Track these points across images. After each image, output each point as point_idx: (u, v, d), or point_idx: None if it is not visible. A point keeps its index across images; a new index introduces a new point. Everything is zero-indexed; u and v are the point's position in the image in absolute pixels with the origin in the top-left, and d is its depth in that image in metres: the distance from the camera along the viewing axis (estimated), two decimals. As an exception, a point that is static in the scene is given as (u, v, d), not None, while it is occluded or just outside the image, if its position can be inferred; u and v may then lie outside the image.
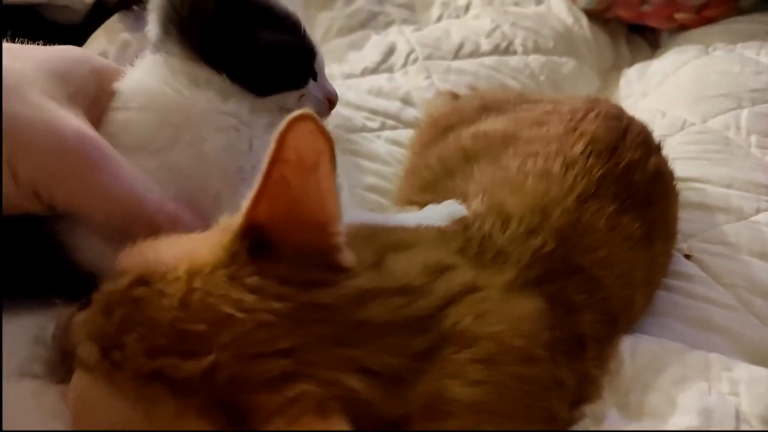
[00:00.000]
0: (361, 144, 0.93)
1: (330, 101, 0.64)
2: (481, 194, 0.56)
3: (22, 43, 0.84)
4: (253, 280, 0.35)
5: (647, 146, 0.62)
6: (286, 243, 0.37)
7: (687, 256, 0.69)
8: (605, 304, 0.51)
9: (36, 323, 0.45)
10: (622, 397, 0.49)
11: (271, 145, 0.35)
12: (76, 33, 0.85)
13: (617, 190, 0.56)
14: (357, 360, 0.35)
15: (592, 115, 0.63)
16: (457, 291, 0.41)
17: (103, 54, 0.77)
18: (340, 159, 0.91)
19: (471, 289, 0.42)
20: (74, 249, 0.50)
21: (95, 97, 0.52)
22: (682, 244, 0.70)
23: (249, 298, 0.34)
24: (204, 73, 0.55)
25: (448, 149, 0.69)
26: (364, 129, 0.96)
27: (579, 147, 0.58)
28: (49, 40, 0.86)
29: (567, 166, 0.56)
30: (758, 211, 0.73)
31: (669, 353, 0.52)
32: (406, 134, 0.94)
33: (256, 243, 0.37)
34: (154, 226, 0.45)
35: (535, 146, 0.60)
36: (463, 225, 0.52)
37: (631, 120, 0.65)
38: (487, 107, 0.76)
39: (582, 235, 0.52)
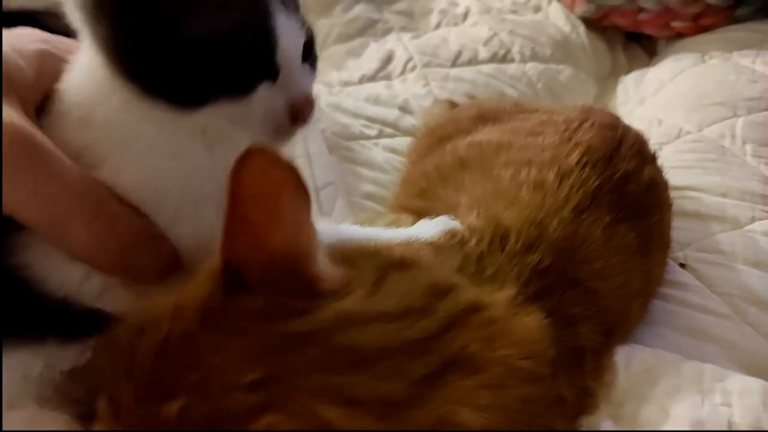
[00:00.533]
0: (359, 152, 0.93)
1: (296, 109, 0.44)
2: (477, 207, 0.56)
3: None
4: (226, 321, 0.35)
5: (642, 156, 0.62)
6: (262, 276, 0.37)
7: (682, 265, 0.69)
8: (602, 315, 0.51)
9: (22, 360, 0.44)
10: (616, 408, 0.49)
11: (226, 185, 0.34)
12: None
13: (612, 201, 0.56)
14: (338, 388, 0.33)
15: (586, 125, 0.63)
16: (460, 310, 0.40)
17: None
18: (338, 167, 0.91)
19: (474, 309, 0.42)
20: (40, 281, 0.45)
21: (35, 81, 0.46)
22: (678, 253, 0.71)
23: (219, 339, 0.34)
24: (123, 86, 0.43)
25: (444, 159, 0.69)
26: (362, 137, 0.96)
27: (574, 157, 0.58)
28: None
29: (562, 176, 0.56)
30: (753, 219, 0.73)
31: (663, 364, 0.52)
32: (403, 142, 0.95)
33: (234, 279, 0.36)
34: (92, 231, 0.42)
35: (529, 155, 0.60)
36: (458, 240, 0.51)
37: (626, 130, 0.65)
38: (484, 117, 0.77)
39: (579, 248, 0.52)
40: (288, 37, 0.43)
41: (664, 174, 0.67)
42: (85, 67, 0.46)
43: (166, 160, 0.44)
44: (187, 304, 0.36)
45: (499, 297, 0.45)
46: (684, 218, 0.75)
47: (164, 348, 0.35)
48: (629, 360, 0.53)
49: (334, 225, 0.59)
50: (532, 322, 0.44)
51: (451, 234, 0.53)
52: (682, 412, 0.47)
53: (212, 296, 0.36)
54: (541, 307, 0.46)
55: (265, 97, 0.43)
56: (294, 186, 0.35)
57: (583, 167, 0.57)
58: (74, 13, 0.44)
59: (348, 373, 0.34)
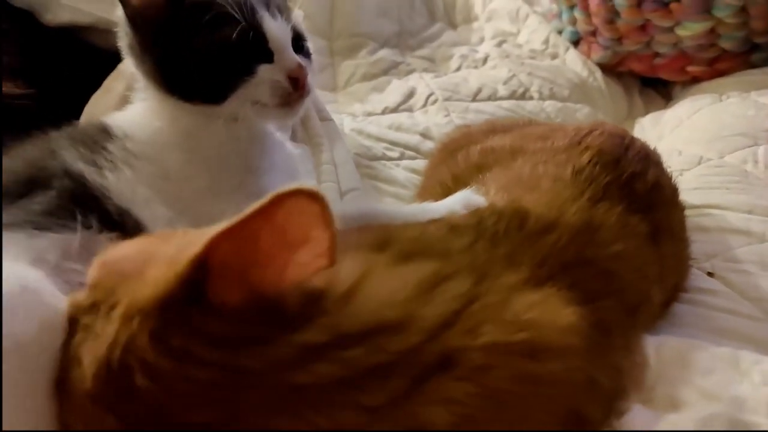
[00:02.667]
0: (380, 170, 0.95)
1: (293, 78, 0.57)
2: (499, 191, 0.57)
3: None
4: (176, 341, 0.33)
5: (647, 161, 0.64)
6: (225, 293, 0.34)
7: (710, 274, 0.68)
8: (623, 294, 0.50)
9: (44, 246, 0.47)
10: (648, 392, 0.47)
11: (265, 198, 0.33)
12: (115, 57, 0.89)
13: (623, 195, 0.57)
14: (282, 428, 0.32)
15: (596, 132, 0.65)
16: (453, 311, 0.39)
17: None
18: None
19: (469, 302, 0.40)
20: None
21: None
22: (705, 264, 0.70)
23: (165, 365, 0.32)
24: (178, 103, 0.57)
25: (458, 166, 0.70)
26: (384, 158, 0.98)
27: (586, 157, 0.60)
28: (88, 62, 0.91)
29: (576, 172, 0.58)
30: (780, 234, 0.72)
31: (696, 349, 0.50)
32: (424, 164, 0.96)
33: (197, 286, 0.34)
34: None
35: (544, 156, 0.62)
36: (477, 218, 0.52)
37: (633, 139, 0.67)
38: (495, 130, 0.79)
39: (596, 231, 0.52)
40: (275, 31, 0.57)
41: (670, 178, 0.67)
42: (141, 109, 0.60)
43: (215, 145, 0.57)
44: (141, 303, 0.34)
45: (506, 281, 0.44)
46: (709, 233, 0.74)
47: (110, 357, 0.33)
48: (660, 346, 0.51)
49: (359, 203, 0.62)
50: (536, 298, 0.42)
51: (472, 212, 0.53)
52: (718, 389, 0.45)
53: (169, 302, 0.34)
54: (558, 285, 0.45)
55: (267, 74, 0.57)
56: (326, 249, 0.34)
57: (595, 165, 0.59)
58: (130, 61, 0.60)
59: (297, 415, 0.33)
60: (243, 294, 0.34)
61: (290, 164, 0.65)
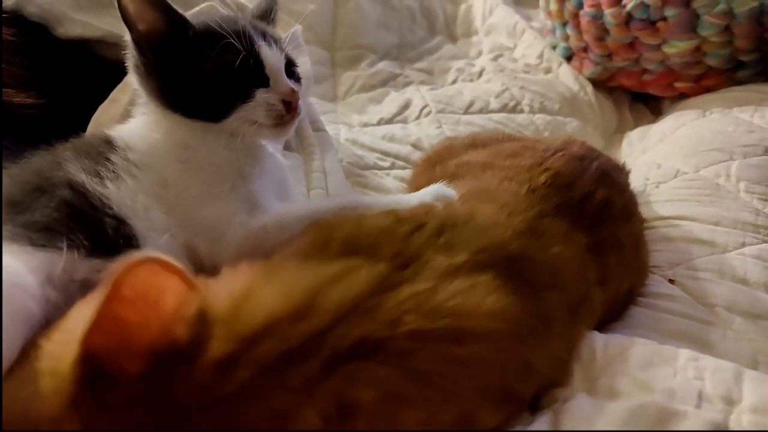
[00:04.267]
0: (371, 179, 0.99)
1: (286, 102, 0.63)
2: (463, 198, 0.62)
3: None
4: (106, 420, 0.37)
5: (601, 181, 0.68)
6: (122, 365, 0.37)
7: (671, 281, 0.71)
8: (565, 291, 0.54)
9: (45, 258, 0.50)
10: (591, 383, 0.52)
11: (105, 285, 0.36)
12: (123, 69, 0.94)
13: (571, 215, 0.61)
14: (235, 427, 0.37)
15: (559, 154, 0.69)
16: (360, 291, 0.43)
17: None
18: (350, 190, 0.97)
19: (384, 286, 0.44)
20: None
21: None
22: (667, 271, 0.73)
23: None
24: (179, 118, 0.63)
25: (436, 176, 0.75)
26: (376, 167, 1.03)
27: (543, 178, 0.65)
28: (96, 73, 0.96)
29: (532, 191, 0.63)
30: (744, 245, 0.76)
31: (638, 345, 0.54)
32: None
33: (91, 370, 0.37)
34: None
35: (510, 172, 0.67)
36: (425, 211, 0.56)
37: (593, 159, 0.71)
38: (475, 144, 0.84)
39: (540, 237, 0.56)
40: (271, 59, 0.64)
41: (624, 195, 0.71)
42: (142, 122, 0.66)
43: (210, 155, 0.63)
44: (54, 415, 0.37)
45: (437, 264, 0.48)
46: (676, 242, 0.78)
47: None
48: (606, 343, 0.55)
49: (341, 197, 0.68)
50: (463, 286, 0.46)
51: (423, 206, 0.58)
52: (652, 381, 0.49)
53: (76, 401, 0.37)
54: (497, 273, 0.49)
55: (263, 98, 0.63)
56: (184, 290, 0.38)
57: (549, 186, 0.64)
58: (134, 78, 0.66)
59: (236, 419, 0.37)
60: (140, 358, 0.38)
61: (280, 173, 0.70)
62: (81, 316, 0.38)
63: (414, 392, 0.41)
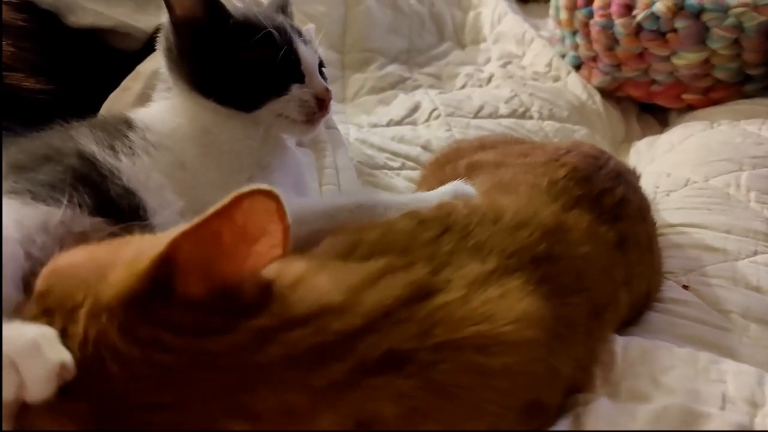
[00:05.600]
0: (381, 179, 0.99)
1: (319, 98, 0.65)
2: (482, 194, 0.61)
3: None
4: (143, 331, 0.36)
5: (618, 179, 0.68)
6: (190, 286, 0.37)
7: (685, 287, 0.71)
8: (591, 293, 0.53)
9: (45, 211, 0.50)
10: (613, 386, 0.51)
11: (225, 199, 0.36)
12: (134, 59, 0.94)
13: (592, 207, 0.61)
14: (243, 405, 0.35)
15: (572, 152, 0.70)
16: (396, 297, 0.41)
17: (158, 71, 0.85)
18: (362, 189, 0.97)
19: (421, 291, 0.43)
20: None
21: None
22: (681, 277, 0.73)
23: (135, 352, 0.35)
24: (209, 104, 0.64)
25: (446, 176, 0.74)
26: (386, 167, 1.03)
27: (561, 172, 0.64)
28: (107, 63, 0.96)
29: (552, 183, 0.63)
30: (756, 253, 0.76)
31: (659, 349, 0.54)
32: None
33: (161, 282, 0.37)
34: None
35: (523, 168, 0.67)
36: (447, 212, 0.55)
37: (608, 159, 0.71)
38: (483, 146, 0.84)
39: (567, 232, 0.56)
40: (307, 56, 0.66)
41: (640, 196, 0.71)
42: (163, 106, 0.66)
43: (231, 143, 0.63)
44: (106, 301, 0.36)
45: (470, 271, 0.46)
46: (688, 249, 0.78)
47: (81, 349, 0.36)
48: (627, 346, 0.55)
49: (356, 194, 0.68)
50: (495, 294, 0.45)
51: (442, 206, 0.57)
52: (675, 383, 0.48)
53: (134, 298, 0.36)
54: (526, 278, 0.48)
55: (298, 93, 0.65)
56: (280, 241, 0.38)
57: (569, 180, 0.63)
58: (163, 62, 0.67)
59: (254, 390, 0.36)
60: (207, 285, 0.38)
61: (296, 166, 0.70)
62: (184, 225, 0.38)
63: (437, 407, 0.40)
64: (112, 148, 0.57)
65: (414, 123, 1.20)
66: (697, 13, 1.16)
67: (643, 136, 1.30)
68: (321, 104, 0.65)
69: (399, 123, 1.20)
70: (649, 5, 1.20)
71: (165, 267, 0.37)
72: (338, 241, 0.50)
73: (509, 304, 0.44)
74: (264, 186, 0.37)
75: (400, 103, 1.26)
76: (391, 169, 1.03)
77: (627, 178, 0.70)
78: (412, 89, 1.35)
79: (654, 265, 0.68)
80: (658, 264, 0.69)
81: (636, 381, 0.50)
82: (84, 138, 0.56)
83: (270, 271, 0.40)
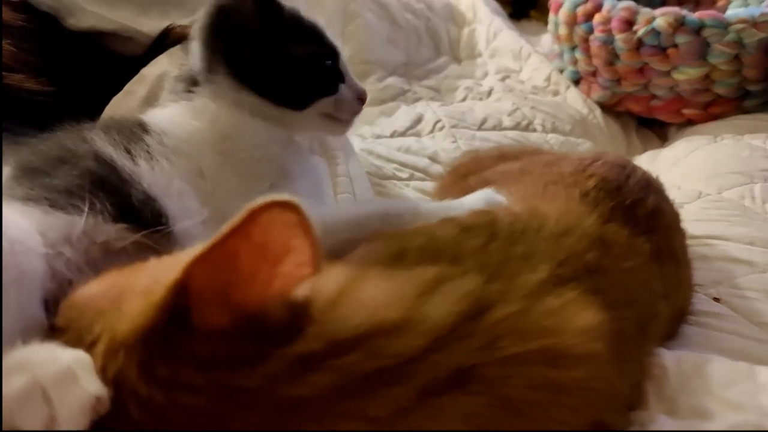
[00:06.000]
0: (391, 189, 0.96)
1: (361, 99, 0.68)
2: (516, 201, 0.59)
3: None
4: (164, 370, 0.32)
5: (648, 188, 0.66)
6: (210, 316, 0.33)
7: (716, 299, 0.70)
8: (635, 306, 0.51)
9: (66, 220, 0.47)
10: (669, 403, 0.48)
11: (238, 215, 0.32)
12: (136, 63, 0.90)
13: (626, 219, 0.59)
14: None
15: (599, 162, 0.68)
16: (459, 312, 0.38)
17: (163, 75, 0.82)
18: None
19: (480, 304, 0.39)
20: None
21: None
22: (710, 290, 0.72)
23: (158, 396, 0.31)
24: (251, 100, 0.62)
25: (471, 188, 0.72)
26: (394, 177, 1.00)
27: (591, 183, 0.63)
28: (108, 67, 0.92)
29: (584, 194, 0.61)
30: (783, 265, 0.75)
31: (714, 362, 0.51)
32: (432, 186, 0.98)
33: (179, 312, 0.33)
34: None
35: (552, 179, 0.65)
36: (490, 218, 0.52)
37: (635, 168, 0.70)
38: (504, 156, 0.82)
39: (609, 246, 0.54)
40: (344, 57, 0.68)
41: (671, 205, 0.70)
42: (178, 109, 0.62)
43: (251, 150, 0.60)
44: (122, 336, 0.33)
45: (525, 281, 0.43)
46: (713, 261, 0.77)
47: None
48: (678, 360, 0.52)
49: (382, 201, 0.66)
50: (556, 304, 0.42)
51: (484, 212, 0.55)
52: (741, 399, 0.46)
53: (151, 332, 0.33)
54: (581, 288, 0.46)
55: (345, 93, 0.67)
56: (309, 257, 0.33)
57: (599, 190, 0.61)
58: (203, 60, 0.63)
59: (300, 427, 0.32)
60: (229, 314, 0.33)
61: (316, 173, 0.68)
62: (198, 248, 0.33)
63: (507, 425, 0.36)
64: (128, 151, 0.53)
65: (418, 134, 1.18)
66: (698, 29, 1.16)
67: (643, 150, 1.30)
68: (362, 101, 0.68)
69: (403, 134, 1.17)
70: (650, 21, 1.20)
71: (181, 296, 0.33)
72: (379, 248, 0.47)
73: (571, 316, 0.42)
74: (282, 196, 0.32)
75: (403, 114, 1.24)
76: (399, 179, 1.00)
77: (655, 187, 0.69)
78: (413, 101, 1.33)
79: (688, 277, 0.66)
80: (690, 275, 0.68)
81: (695, 397, 0.48)
82: (99, 140, 0.52)
83: (302, 290, 0.35)
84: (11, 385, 0.30)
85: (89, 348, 0.34)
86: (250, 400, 0.32)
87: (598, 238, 0.53)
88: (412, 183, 0.99)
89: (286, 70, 0.62)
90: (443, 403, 0.35)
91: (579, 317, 0.42)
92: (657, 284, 0.56)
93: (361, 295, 0.37)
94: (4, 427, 0.30)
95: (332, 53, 0.66)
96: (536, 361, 0.38)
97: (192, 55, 0.63)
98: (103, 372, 0.33)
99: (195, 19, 0.91)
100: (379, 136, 1.15)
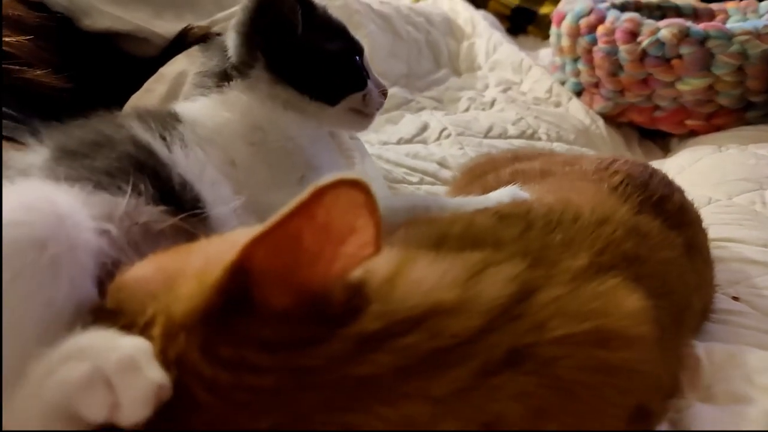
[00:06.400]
0: (403, 192, 0.96)
1: (384, 93, 0.70)
2: (546, 193, 0.59)
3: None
4: (227, 351, 0.31)
5: (670, 186, 0.67)
6: (271, 297, 0.33)
7: (735, 298, 0.70)
8: (670, 298, 0.50)
9: (108, 200, 0.46)
10: (705, 391, 0.48)
11: (303, 194, 0.31)
12: (152, 64, 0.90)
13: (656, 213, 0.59)
14: (353, 426, 0.31)
15: (620, 161, 0.69)
16: (509, 294, 0.37)
17: (183, 73, 0.82)
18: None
19: (526, 287, 0.39)
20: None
21: None
22: (728, 289, 0.72)
23: (223, 377, 0.31)
24: (287, 94, 0.63)
25: (489, 185, 0.72)
26: (405, 181, 1.00)
27: (617, 178, 0.63)
28: (124, 70, 0.91)
29: (611, 189, 0.61)
30: (797, 266, 0.75)
31: (746, 352, 0.51)
32: (443, 190, 0.98)
33: (237, 294, 0.32)
34: None
35: (577, 176, 0.65)
36: (526, 208, 0.52)
37: (654, 169, 0.71)
38: (518, 157, 0.83)
39: (644, 236, 0.54)
40: (366, 53, 0.70)
41: (692, 204, 0.70)
42: (209, 101, 0.62)
43: (282, 141, 0.60)
44: (180, 318, 0.32)
45: (567, 267, 0.43)
46: (730, 263, 0.77)
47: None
48: (710, 350, 0.52)
49: (408, 196, 0.66)
50: (602, 289, 0.42)
51: (520, 203, 0.55)
52: (778, 384, 0.46)
53: (210, 313, 0.32)
54: (622, 276, 0.46)
55: (372, 88, 0.68)
56: (372, 237, 0.33)
57: (627, 186, 0.62)
58: (240, 54, 0.63)
59: (364, 409, 0.32)
60: (291, 295, 0.33)
61: (341, 170, 0.68)
62: (253, 230, 0.32)
63: (559, 406, 0.36)
64: (163, 138, 0.52)
65: (424, 142, 1.18)
66: (703, 40, 1.18)
67: (647, 161, 1.31)
68: (384, 95, 0.70)
69: (409, 141, 1.18)
70: (655, 32, 1.22)
71: (239, 277, 0.32)
72: (420, 233, 0.47)
73: (618, 300, 0.41)
74: (350, 175, 0.31)
75: (409, 122, 1.25)
76: (410, 183, 1.00)
77: (677, 186, 0.69)
78: (417, 110, 1.34)
79: (711, 275, 0.66)
80: (713, 273, 0.68)
81: (730, 384, 0.47)
82: (136, 126, 0.52)
83: (356, 271, 0.35)
84: (73, 373, 0.30)
85: (143, 331, 0.33)
86: (316, 379, 0.32)
87: (633, 227, 0.52)
88: (423, 187, 0.99)
89: (323, 65, 0.63)
90: (499, 383, 0.34)
91: (626, 301, 0.42)
92: (690, 277, 0.56)
93: (414, 276, 0.37)
94: (66, 412, 0.29)
95: (359, 50, 0.68)
96: (586, 342, 0.38)
97: (228, 48, 0.63)
98: (163, 355, 0.32)
99: (212, 21, 0.92)
100: (385, 143, 1.15)
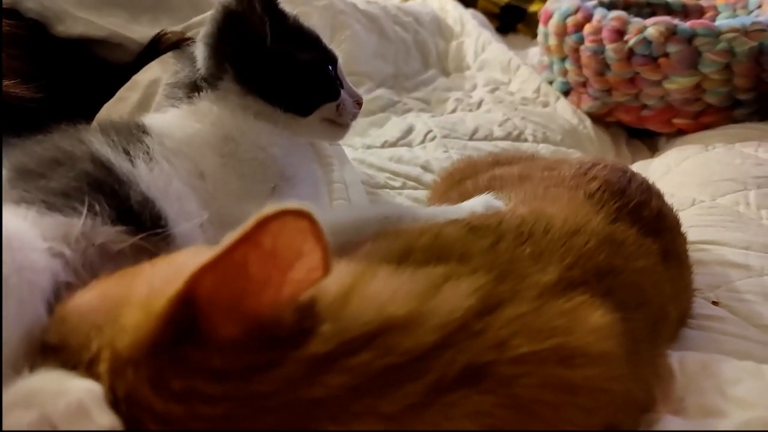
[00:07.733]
0: (383, 197, 0.95)
1: (358, 103, 0.70)
2: (518, 204, 0.58)
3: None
4: (177, 383, 0.31)
5: (649, 192, 0.66)
6: (220, 326, 0.33)
7: (715, 303, 0.69)
8: (646, 309, 0.50)
9: (64, 222, 0.46)
10: (676, 402, 0.47)
11: (248, 222, 0.31)
12: (126, 71, 0.89)
13: (633, 220, 0.59)
14: None
15: (599, 166, 0.68)
16: (468, 308, 0.37)
17: (156, 81, 0.81)
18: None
19: (489, 301, 0.38)
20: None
21: None
22: (709, 293, 0.71)
23: (175, 410, 0.31)
24: (258, 105, 0.62)
25: (467, 192, 0.71)
26: (387, 186, 0.99)
27: (594, 185, 0.62)
28: (97, 77, 0.90)
29: (588, 195, 0.60)
30: (779, 269, 0.74)
31: (719, 362, 0.50)
32: (425, 195, 0.97)
33: (184, 323, 0.32)
34: None
35: (554, 182, 0.64)
36: (498, 220, 0.51)
37: (634, 173, 0.70)
38: (499, 162, 0.82)
39: (619, 245, 0.53)
40: (339, 62, 0.70)
41: (671, 209, 0.70)
42: (179, 112, 0.62)
43: (254, 152, 0.60)
44: (126, 352, 0.32)
45: (535, 281, 0.43)
46: (710, 266, 0.76)
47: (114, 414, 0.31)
48: (683, 360, 0.52)
49: (382, 205, 0.65)
50: (567, 306, 0.41)
51: (492, 214, 0.54)
52: (748, 396, 0.45)
53: (157, 345, 0.31)
54: (591, 292, 0.45)
55: (346, 98, 0.68)
56: (318, 263, 0.33)
57: (604, 192, 0.61)
58: (208, 66, 0.63)
59: (318, 428, 0.32)
60: (240, 323, 0.33)
61: (315, 179, 0.67)
62: (199, 253, 0.32)
63: (516, 425, 0.35)
64: (126, 153, 0.52)
65: (409, 145, 1.17)
66: (690, 38, 1.17)
67: (633, 161, 1.30)
68: (359, 105, 0.70)
69: (394, 144, 1.17)
70: (642, 30, 1.21)
71: (186, 307, 0.32)
72: (384, 246, 0.46)
73: (583, 316, 0.41)
74: (293, 204, 0.32)
75: (394, 125, 1.24)
76: (392, 188, 0.99)
77: (656, 191, 0.68)
78: (402, 113, 1.33)
79: (690, 281, 0.65)
80: (691, 278, 0.67)
81: (703, 396, 0.47)
82: (96, 141, 0.51)
83: (308, 291, 0.35)
84: (21, 421, 0.29)
85: (89, 368, 0.33)
86: (269, 404, 0.32)
87: (607, 236, 0.52)
88: (405, 192, 0.99)
89: (293, 76, 0.63)
90: (453, 400, 0.34)
91: (591, 317, 0.41)
92: (667, 286, 0.55)
93: (368, 292, 0.37)
94: None
95: (332, 59, 0.67)
96: (548, 360, 0.37)
97: (197, 60, 0.63)
98: (112, 392, 0.31)
99: (187, 25, 0.91)
100: (370, 147, 1.14)
